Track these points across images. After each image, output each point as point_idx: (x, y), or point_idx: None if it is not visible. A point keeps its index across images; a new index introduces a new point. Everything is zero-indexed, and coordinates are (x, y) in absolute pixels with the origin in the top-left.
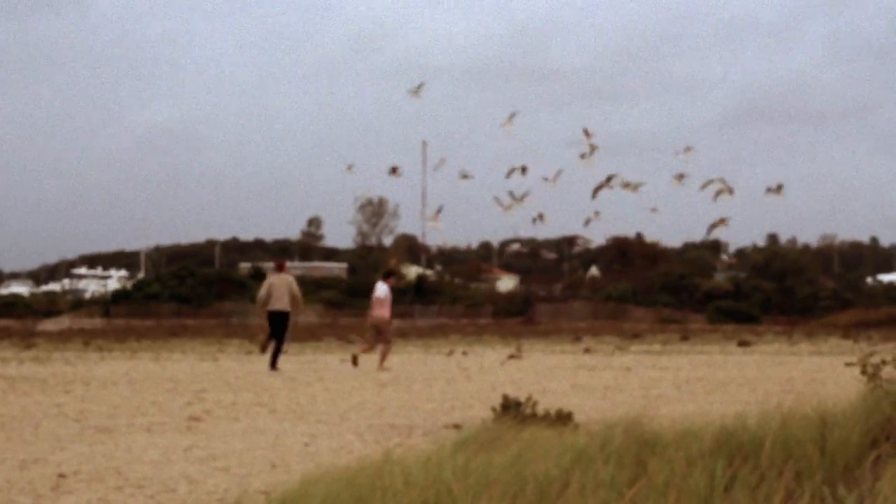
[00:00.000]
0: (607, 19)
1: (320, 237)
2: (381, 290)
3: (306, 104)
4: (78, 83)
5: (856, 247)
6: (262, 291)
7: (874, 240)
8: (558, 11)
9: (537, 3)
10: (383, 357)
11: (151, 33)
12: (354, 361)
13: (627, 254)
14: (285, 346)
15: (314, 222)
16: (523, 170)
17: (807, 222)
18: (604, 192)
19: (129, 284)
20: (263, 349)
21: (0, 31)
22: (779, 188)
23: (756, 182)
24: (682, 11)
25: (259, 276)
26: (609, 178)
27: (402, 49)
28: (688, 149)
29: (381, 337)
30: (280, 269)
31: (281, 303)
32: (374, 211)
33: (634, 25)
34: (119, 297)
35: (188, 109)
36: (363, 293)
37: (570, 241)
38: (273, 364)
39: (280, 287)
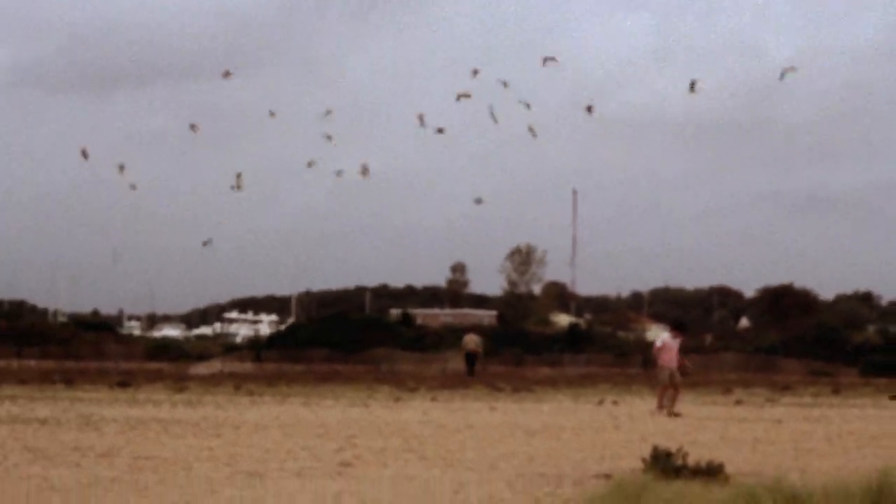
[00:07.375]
0: (831, 79)
1: (465, 283)
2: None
3: (500, 158)
4: (283, 135)
5: None
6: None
7: None
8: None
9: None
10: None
11: (368, 92)
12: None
13: (780, 304)
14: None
15: (458, 268)
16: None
17: None
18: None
19: (281, 328)
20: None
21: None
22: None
23: None
24: None
25: (408, 322)
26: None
27: (617, 106)
28: None
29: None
30: (472, 330)
31: (472, 346)
32: (523, 259)
33: (857, 84)
34: (273, 340)
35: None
36: (512, 341)
37: (720, 291)
38: (471, 372)
39: (471, 338)
